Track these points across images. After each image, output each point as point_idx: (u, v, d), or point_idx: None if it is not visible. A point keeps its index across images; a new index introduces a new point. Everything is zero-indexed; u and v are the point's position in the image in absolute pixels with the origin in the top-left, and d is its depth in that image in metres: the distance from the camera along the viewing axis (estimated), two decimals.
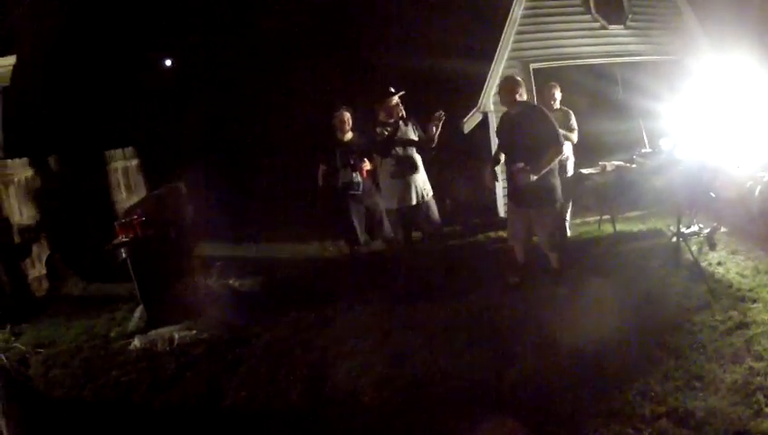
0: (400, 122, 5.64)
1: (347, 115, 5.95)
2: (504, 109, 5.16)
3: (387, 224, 6.06)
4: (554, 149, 4.77)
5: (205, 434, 3.76)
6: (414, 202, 5.59)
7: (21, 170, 7.48)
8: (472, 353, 4.20)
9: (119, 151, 9.45)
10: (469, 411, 3.51)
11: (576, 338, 4.13)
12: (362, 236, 6.11)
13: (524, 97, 5.00)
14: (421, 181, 5.67)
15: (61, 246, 7.77)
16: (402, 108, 5.67)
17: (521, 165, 4.73)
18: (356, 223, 6.00)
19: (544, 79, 7.80)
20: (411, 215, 5.71)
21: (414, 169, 5.58)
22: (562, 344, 4.12)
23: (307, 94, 10.58)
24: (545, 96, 6.41)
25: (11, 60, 8.12)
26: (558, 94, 6.36)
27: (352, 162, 5.86)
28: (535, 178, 4.69)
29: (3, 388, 3.93)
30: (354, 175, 5.87)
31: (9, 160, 7.47)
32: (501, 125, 5.27)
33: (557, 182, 4.97)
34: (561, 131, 5.00)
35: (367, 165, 5.89)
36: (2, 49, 8.06)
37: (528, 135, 4.81)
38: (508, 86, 4.97)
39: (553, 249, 5.17)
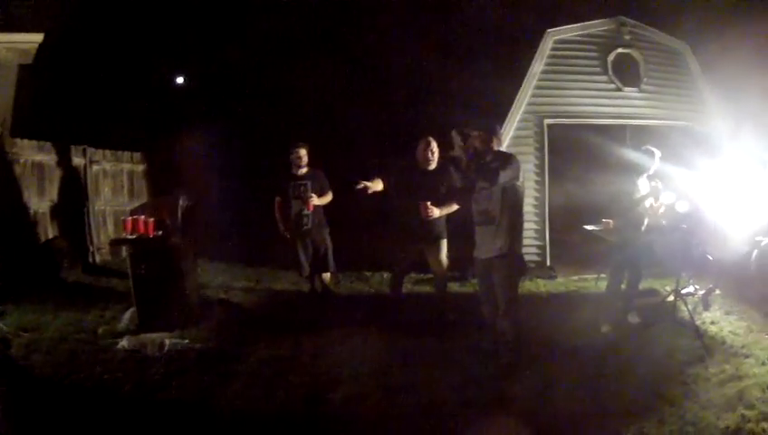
0: (431, 166, 5.42)
1: (303, 152, 6.37)
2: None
3: (331, 260, 6.52)
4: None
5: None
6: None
7: (29, 152, 7.50)
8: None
9: (127, 154, 9.64)
10: None
11: (576, 380, 4.33)
12: (306, 269, 6.52)
13: None
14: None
15: (60, 233, 7.81)
16: (433, 154, 5.41)
17: None
18: (302, 256, 6.43)
19: (556, 135, 8.08)
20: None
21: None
22: (561, 388, 4.25)
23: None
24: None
25: (37, 37, 7.83)
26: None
27: (301, 194, 6.29)
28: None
29: None
30: (303, 208, 6.30)
31: (18, 140, 7.42)
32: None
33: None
34: None
35: (315, 199, 6.30)
36: (28, 23, 7.74)
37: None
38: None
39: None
